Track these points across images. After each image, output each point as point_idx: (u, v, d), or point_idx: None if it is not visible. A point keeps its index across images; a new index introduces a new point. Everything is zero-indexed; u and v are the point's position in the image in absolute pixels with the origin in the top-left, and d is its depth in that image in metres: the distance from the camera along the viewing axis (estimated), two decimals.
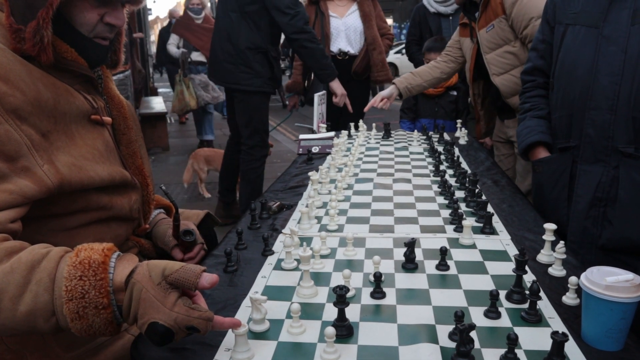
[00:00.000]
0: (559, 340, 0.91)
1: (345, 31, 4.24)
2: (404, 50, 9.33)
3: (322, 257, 1.41)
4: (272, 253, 1.46)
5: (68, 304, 0.96)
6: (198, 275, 0.99)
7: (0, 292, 0.96)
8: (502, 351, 0.97)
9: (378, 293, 1.20)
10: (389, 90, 3.28)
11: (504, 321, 1.10)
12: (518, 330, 1.06)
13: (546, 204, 1.99)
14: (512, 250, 1.46)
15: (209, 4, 8.70)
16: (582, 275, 1.03)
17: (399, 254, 1.42)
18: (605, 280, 0.98)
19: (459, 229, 1.59)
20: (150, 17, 22.72)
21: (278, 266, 1.38)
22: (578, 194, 1.85)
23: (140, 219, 1.54)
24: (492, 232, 1.59)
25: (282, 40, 4.12)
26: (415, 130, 3.10)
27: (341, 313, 1.05)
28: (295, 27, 3.59)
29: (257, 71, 3.74)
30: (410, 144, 2.91)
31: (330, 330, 0.95)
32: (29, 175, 1.11)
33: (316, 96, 3.29)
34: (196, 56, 7.14)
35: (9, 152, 1.08)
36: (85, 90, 1.33)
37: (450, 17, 4.56)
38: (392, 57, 16.56)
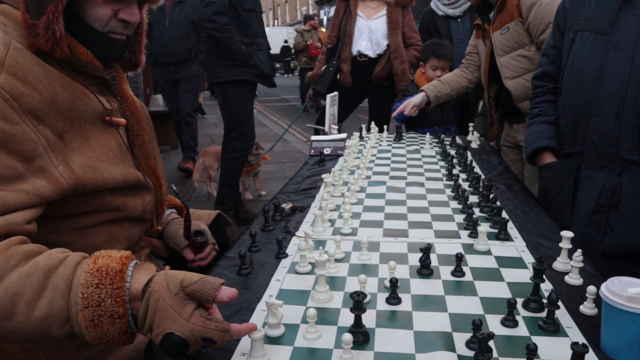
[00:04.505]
0: (579, 352, 0.90)
1: (368, 34, 4.22)
2: None
3: (337, 261, 1.40)
4: (286, 256, 1.45)
5: (83, 311, 0.96)
6: (217, 288, 0.98)
7: (16, 296, 0.96)
8: None
9: (394, 299, 1.19)
10: (420, 98, 3.24)
11: (521, 330, 1.09)
12: (535, 339, 1.05)
13: (551, 209, 1.99)
14: (528, 257, 1.45)
15: None
16: (603, 286, 1.02)
17: (414, 259, 1.41)
18: (627, 292, 0.96)
19: (473, 234, 1.58)
20: None
21: (292, 269, 1.38)
22: (581, 200, 1.85)
23: (153, 219, 1.54)
24: (507, 238, 1.57)
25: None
26: (428, 133, 3.09)
27: (358, 319, 1.04)
28: (204, 15, 3.91)
29: (231, 59, 3.99)
30: (422, 147, 2.90)
31: (348, 337, 0.94)
32: (45, 175, 1.11)
33: (328, 97, 3.28)
34: None
35: (25, 152, 1.08)
36: (99, 91, 1.33)
37: (459, 20, 4.53)
38: None
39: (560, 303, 1.16)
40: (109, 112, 1.33)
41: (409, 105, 3.22)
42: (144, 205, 1.43)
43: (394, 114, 3.40)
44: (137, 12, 1.34)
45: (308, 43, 12.39)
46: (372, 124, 3.25)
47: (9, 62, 1.08)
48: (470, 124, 3.17)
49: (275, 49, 20.86)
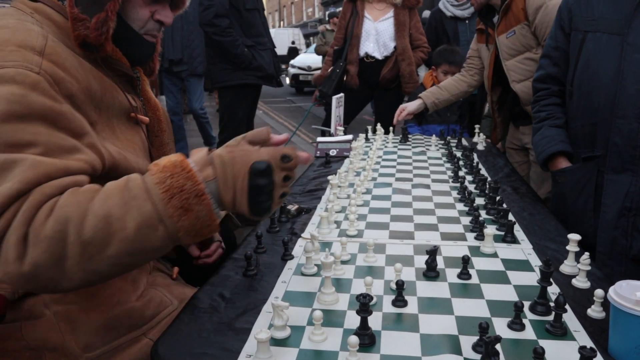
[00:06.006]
0: (587, 356, 0.89)
1: (375, 36, 4.22)
2: None
3: (343, 262, 1.40)
4: (292, 257, 1.45)
5: (171, 201, 1.02)
6: (268, 130, 1.14)
7: (107, 217, 1.01)
8: None
9: (400, 301, 1.19)
10: (417, 105, 3.24)
11: (528, 333, 1.08)
12: (543, 343, 1.04)
13: (570, 214, 1.95)
14: (534, 260, 1.44)
15: None
16: (611, 289, 1.01)
17: (420, 261, 1.41)
18: (636, 295, 0.95)
19: (480, 237, 1.58)
20: None
21: (298, 271, 1.38)
22: (606, 204, 1.81)
23: None
24: (514, 241, 1.56)
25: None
26: (434, 135, 3.09)
27: (364, 321, 1.04)
28: (205, 19, 3.88)
29: (234, 63, 4.00)
30: (428, 149, 2.90)
31: (354, 339, 0.94)
32: (95, 150, 1.18)
33: (334, 99, 3.28)
34: None
35: (75, 129, 1.14)
36: (125, 89, 1.38)
37: (467, 21, 4.54)
38: None
39: (567, 306, 1.16)
40: (135, 109, 1.38)
41: (405, 112, 3.22)
42: None
43: (394, 122, 3.40)
44: (171, 14, 1.40)
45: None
46: (378, 126, 3.24)
47: (49, 50, 1.14)
48: (477, 126, 3.16)
49: (282, 50, 20.25)
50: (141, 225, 1.01)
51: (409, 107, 3.24)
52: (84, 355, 1.27)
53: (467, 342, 1.04)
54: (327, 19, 13.05)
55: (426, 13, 6.23)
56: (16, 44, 1.10)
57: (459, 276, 1.33)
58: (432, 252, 1.34)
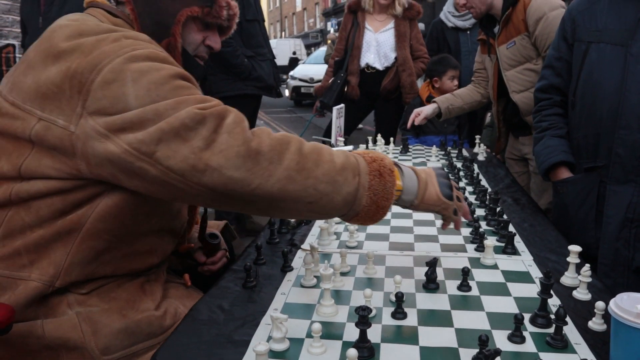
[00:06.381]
0: None
1: (376, 47, 4.23)
2: None
3: (342, 274, 1.40)
4: (292, 269, 1.45)
5: (372, 164, 1.21)
6: None
7: (320, 149, 1.17)
8: None
9: (399, 313, 1.18)
10: (431, 109, 3.21)
11: (529, 346, 1.07)
12: (543, 356, 1.03)
13: (572, 225, 1.94)
14: (535, 272, 1.44)
15: None
16: (612, 302, 1.00)
17: (420, 273, 1.40)
18: (637, 308, 0.95)
19: (480, 248, 1.57)
20: None
21: (297, 283, 1.37)
22: (608, 215, 1.80)
23: (185, 236, 1.60)
24: (514, 252, 1.56)
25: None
26: (434, 146, 3.09)
27: (363, 334, 1.03)
28: None
29: (234, 73, 3.94)
30: (428, 160, 2.90)
31: (353, 352, 0.93)
32: None
33: (335, 109, 3.29)
34: None
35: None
36: None
37: (468, 32, 4.55)
38: None
39: (568, 319, 1.15)
40: None
41: (421, 115, 3.21)
42: (182, 220, 1.50)
43: (409, 125, 3.39)
44: (219, 40, 1.50)
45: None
46: (379, 136, 3.25)
47: (155, 44, 1.27)
48: (477, 136, 3.16)
49: (283, 60, 20.02)
50: (345, 166, 1.17)
51: (424, 110, 3.21)
52: (102, 358, 1.27)
53: (467, 354, 1.03)
54: (336, 28, 12.91)
55: (420, 26, 6.25)
56: (132, 38, 1.21)
57: (459, 288, 1.32)
58: (432, 263, 1.34)
